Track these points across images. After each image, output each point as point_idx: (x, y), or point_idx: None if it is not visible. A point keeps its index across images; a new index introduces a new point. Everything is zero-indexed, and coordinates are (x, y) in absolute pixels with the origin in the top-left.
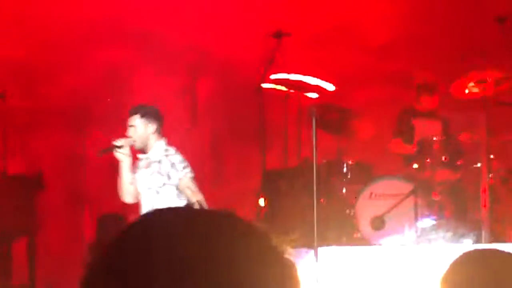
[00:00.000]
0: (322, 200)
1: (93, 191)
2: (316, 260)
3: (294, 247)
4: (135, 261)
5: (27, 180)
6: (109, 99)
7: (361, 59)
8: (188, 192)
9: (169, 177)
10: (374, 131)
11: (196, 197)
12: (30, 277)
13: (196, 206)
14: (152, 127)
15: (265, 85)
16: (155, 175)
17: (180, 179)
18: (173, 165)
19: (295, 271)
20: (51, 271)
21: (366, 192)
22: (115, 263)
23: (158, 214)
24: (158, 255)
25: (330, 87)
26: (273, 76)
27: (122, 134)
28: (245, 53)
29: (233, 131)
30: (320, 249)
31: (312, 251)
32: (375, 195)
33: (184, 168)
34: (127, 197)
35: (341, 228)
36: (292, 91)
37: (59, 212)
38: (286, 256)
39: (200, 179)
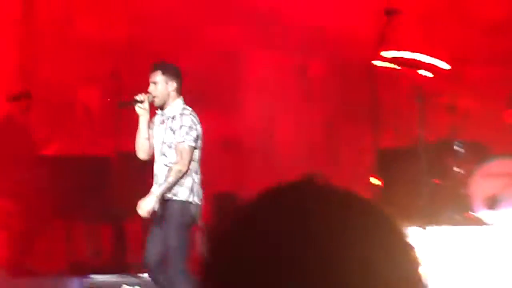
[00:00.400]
0: (436, 180)
1: (208, 170)
2: (429, 240)
3: (407, 226)
4: (264, 233)
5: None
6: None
7: (474, 36)
8: (178, 158)
9: (174, 135)
10: (488, 109)
11: (183, 167)
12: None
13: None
14: (172, 85)
15: (377, 63)
16: (168, 131)
17: (179, 142)
18: (181, 126)
19: (415, 253)
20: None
21: (481, 171)
22: (243, 234)
23: (290, 189)
24: (287, 229)
25: (444, 65)
26: (385, 54)
27: (235, 114)
28: (357, 31)
29: (346, 110)
30: (432, 228)
31: (425, 230)
32: (490, 174)
33: (187, 133)
34: (141, 153)
35: (455, 208)
36: (405, 69)
37: None
38: (407, 238)
39: (313, 158)
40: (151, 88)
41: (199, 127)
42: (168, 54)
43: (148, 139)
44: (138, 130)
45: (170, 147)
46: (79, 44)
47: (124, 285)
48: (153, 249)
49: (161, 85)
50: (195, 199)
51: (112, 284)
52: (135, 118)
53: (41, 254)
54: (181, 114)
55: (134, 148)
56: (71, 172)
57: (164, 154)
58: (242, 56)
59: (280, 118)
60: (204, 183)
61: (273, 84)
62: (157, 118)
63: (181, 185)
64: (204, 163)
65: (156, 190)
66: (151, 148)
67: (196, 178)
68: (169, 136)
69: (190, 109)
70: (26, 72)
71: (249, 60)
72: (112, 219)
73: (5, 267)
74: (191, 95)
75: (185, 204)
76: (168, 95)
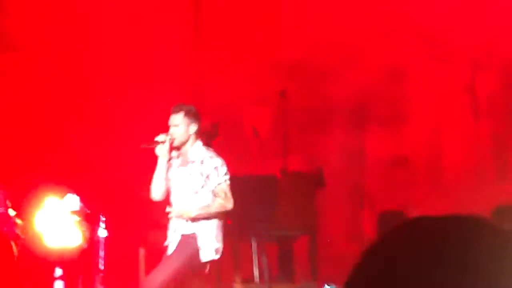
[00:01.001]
0: None
1: (373, 187)
2: None
3: None
4: (403, 264)
5: (307, 178)
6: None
7: None
8: (222, 197)
9: (208, 179)
10: None
11: (229, 204)
12: (312, 275)
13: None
14: (194, 127)
15: None
16: (196, 176)
17: (219, 183)
18: (216, 168)
19: None
20: (333, 269)
21: None
22: (380, 265)
23: (422, 219)
24: (425, 259)
25: None
26: None
27: (402, 131)
28: None
29: None
30: None
31: None
32: None
33: (225, 173)
34: (157, 194)
35: None
36: None
37: (339, 209)
38: None
39: (481, 175)
40: (172, 130)
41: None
42: (334, 72)
43: (166, 180)
44: (156, 171)
45: (196, 192)
46: (247, 63)
47: None
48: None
49: (182, 127)
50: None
51: None
52: (302, 138)
53: (210, 273)
54: (211, 157)
55: (300, 168)
56: (239, 191)
57: (187, 198)
58: (409, 72)
59: (447, 134)
60: (371, 200)
61: (439, 100)
62: (177, 161)
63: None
64: (371, 180)
65: (195, 210)
66: (167, 190)
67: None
68: (197, 181)
69: (213, 152)
70: (196, 91)
71: (415, 76)
72: (279, 238)
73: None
74: (358, 113)
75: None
76: (188, 137)
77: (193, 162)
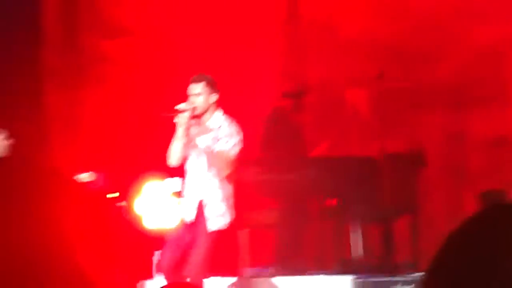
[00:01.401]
0: None
1: (474, 167)
2: None
3: None
4: (480, 251)
5: (408, 158)
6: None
7: None
8: (223, 164)
9: (217, 141)
10: None
11: (225, 172)
12: (413, 255)
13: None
14: (214, 96)
15: None
16: (213, 141)
17: (226, 150)
18: (229, 134)
19: None
20: (434, 249)
21: None
22: (460, 252)
23: (502, 207)
24: (501, 248)
25: None
26: None
27: (504, 111)
28: None
29: None
30: None
31: None
32: None
33: (235, 144)
34: (175, 160)
35: None
36: None
37: (440, 189)
38: None
39: None
40: (193, 99)
41: (241, 136)
42: (433, 54)
43: (184, 148)
44: (175, 139)
45: (214, 157)
46: (346, 45)
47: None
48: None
49: (204, 96)
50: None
51: (382, 284)
52: (402, 119)
53: (310, 253)
54: (228, 124)
55: (400, 149)
56: (339, 173)
57: (205, 164)
58: (509, 51)
59: None
60: (471, 180)
61: None
62: (195, 129)
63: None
64: (472, 160)
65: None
66: (183, 157)
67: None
68: (217, 145)
69: (230, 119)
70: (293, 73)
71: None
72: (379, 220)
73: (275, 265)
74: (458, 93)
75: None
76: (209, 106)
77: (212, 129)
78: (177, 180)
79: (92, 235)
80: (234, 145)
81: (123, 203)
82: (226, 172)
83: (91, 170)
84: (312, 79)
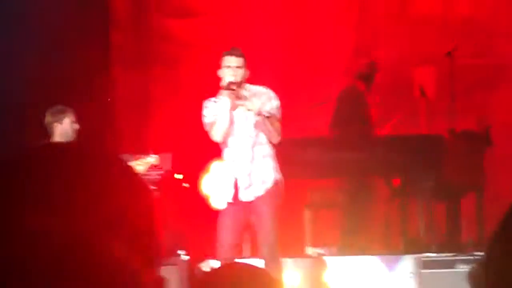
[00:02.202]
0: None
1: None
2: None
3: None
4: None
5: (475, 137)
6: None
7: None
8: (277, 127)
9: (269, 107)
10: None
11: (279, 135)
12: (478, 233)
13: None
14: (247, 71)
15: None
16: (261, 106)
17: (276, 113)
18: (269, 98)
19: None
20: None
21: None
22: None
23: None
24: None
25: None
26: None
27: None
28: None
29: None
30: None
31: None
32: None
33: (278, 107)
34: (222, 136)
35: None
36: None
37: (507, 168)
38: None
39: None
40: (234, 71)
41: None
42: (503, 30)
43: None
44: (222, 115)
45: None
46: (417, 21)
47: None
48: None
49: (244, 70)
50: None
51: (447, 263)
52: (470, 98)
53: (376, 233)
54: (265, 90)
55: (468, 127)
56: (406, 151)
57: (251, 136)
58: None
59: None
60: None
61: None
62: (229, 102)
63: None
64: None
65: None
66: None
67: None
68: (265, 109)
69: None
70: (363, 51)
71: None
72: (445, 198)
73: (339, 245)
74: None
75: None
76: (245, 80)
77: (256, 95)
78: None
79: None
80: (279, 108)
81: (187, 184)
82: (279, 135)
83: (158, 152)
84: (382, 57)
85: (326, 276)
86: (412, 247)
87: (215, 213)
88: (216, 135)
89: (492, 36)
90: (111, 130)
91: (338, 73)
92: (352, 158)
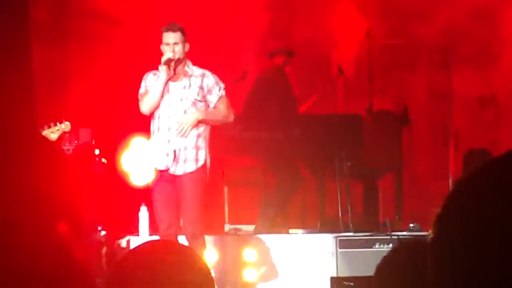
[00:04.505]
0: None
1: (460, 126)
2: None
3: None
4: (495, 202)
5: (393, 116)
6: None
7: None
8: (226, 107)
9: (210, 93)
10: None
11: (232, 115)
12: (397, 213)
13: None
14: (187, 45)
15: None
16: (194, 88)
17: (221, 96)
18: (217, 82)
19: None
20: (417, 206)
21: None
22: (471, 201)
23: None
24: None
25: None
26: None
27: (489, 71)
28: None
29: None
30: None
31: None
32: None
33: (223, 88)
34: (150, 109)
35: None
36: None
37: (425, 147)
38: None
39: None
40: (174, 48)
41: None
42: (421, 11)
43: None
44: (156, 87)
45: (194, 104)
46: (332, 2)
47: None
48: None
49: (182, 45)
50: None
51: (364, 242)
52: (388, 78)
53: (293, 212)
54: (211, 73)
55: (386, 107)
56: (324, 130)
57: (185, 112)
58: (497, 11)
59: None
60: (457, 139)
61: None
62: (165, 77)
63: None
64: (458, 119)
65: (201, 113)
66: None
67: None
68: (195, 93)
69: None
70: (279, 32)
71: (503, 16)
72: (363, 177)
73: (258, 223)
74: (444, 52)
75: None
76: (184, 55)
77: (191, 76)
78: None
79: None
80: (223, 89)
81: (105, 160)
82: (230, 114)
83: (77, 127)
84: (299, 37)
85: (245, 253)
86: (330, 226)
87: (134, 190)
88: (143, 106)
89: (408, 18)
90: (28, 106)
91: (253, 53)
92: (270, 137)
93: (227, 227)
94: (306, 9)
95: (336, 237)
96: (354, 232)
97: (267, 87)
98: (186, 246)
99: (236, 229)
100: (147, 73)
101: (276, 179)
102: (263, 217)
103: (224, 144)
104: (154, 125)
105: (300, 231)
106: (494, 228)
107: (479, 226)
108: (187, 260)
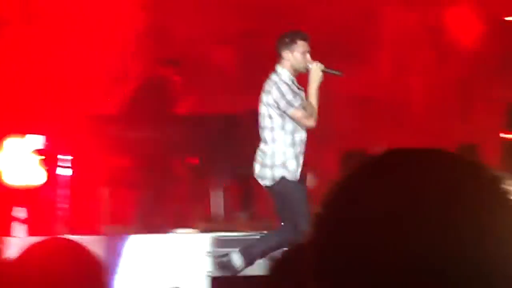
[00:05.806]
0: None
1: (336, 126)
2: None
3: None
4: (377, 201)
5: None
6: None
7: None
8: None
9: None
10: None
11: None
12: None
13: None
14: None
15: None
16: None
17: None
18: None
19: None
20: None
21: None
22: (351, 202)
23: (400, 154)
24: (401, 195)
25: None
26: None
27: (370, 71)
28: None
29: (478, 65)
30: None
31: None
32: None
33: None
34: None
35: None
36: None
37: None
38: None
39: (445, 116)
40: (308, 56)
41: None
42: (305, 11)
43: None
44: (316, 98)
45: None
46: (212, 2)
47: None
48: None
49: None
50: None
51: (243, 242)
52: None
53: (171, 212)
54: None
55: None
56: (201, 131)
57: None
58: (378, 12)
59: (413, 74)
60: (333, 139)
61: (407, 40)
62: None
63: None
64: (335, 118)
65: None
66: None
67: None
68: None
69: None
70: (159, 31)
71: (384, 17)
72: (240, 176)
73: (135, 224)
74: (324, 51)
75: None
76: None
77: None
78: (38, 137)
79: None
80: None
81: None
82: None
83: None
84: (177, 36)
85: (124, 253)
86: (208, 226)
87: (7, 190)
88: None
89: (282, 17)
90: None
91: (130, 52)
92: (149, 137)
93: (105, 228)
94: (184, 8)
95: (215, 237)
96: (233, 232)
97: (147, 88)
98: (80, 244)
99: (114, 229)
100: None
101: (152, 180)
102: (141, 218)
103: (103, 144)
104: None
105: (180, 230)
106: (366, 230)
107: (352, 227)
108: (80, 257)
